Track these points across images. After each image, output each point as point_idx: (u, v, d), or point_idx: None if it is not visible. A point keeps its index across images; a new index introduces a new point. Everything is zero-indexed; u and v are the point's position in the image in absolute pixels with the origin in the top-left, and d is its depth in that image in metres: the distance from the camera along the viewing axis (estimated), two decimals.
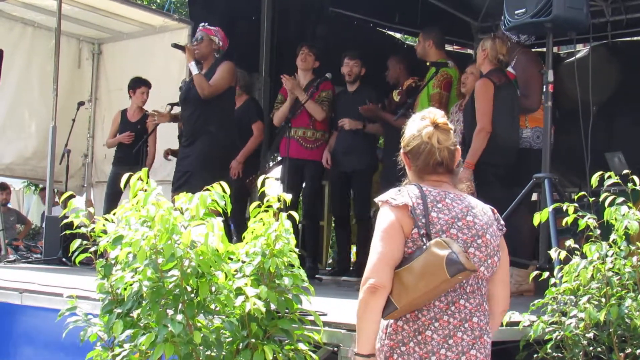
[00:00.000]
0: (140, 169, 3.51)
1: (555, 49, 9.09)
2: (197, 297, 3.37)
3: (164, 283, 3.32)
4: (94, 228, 3.70)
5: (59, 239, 8.12)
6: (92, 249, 3.74)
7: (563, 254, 4.12)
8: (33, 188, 14.30)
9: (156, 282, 3.33)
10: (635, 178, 4.02)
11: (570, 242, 4.12)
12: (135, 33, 10.06)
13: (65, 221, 3.89)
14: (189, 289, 3.37)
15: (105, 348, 3.69)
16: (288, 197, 3.57)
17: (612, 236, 3.98)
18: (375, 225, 3.02)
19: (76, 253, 3.70)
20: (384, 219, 2.98)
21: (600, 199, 4.02)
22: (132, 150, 8.36)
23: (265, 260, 3.52)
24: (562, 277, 4.09)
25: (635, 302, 3.82)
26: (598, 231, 4.02)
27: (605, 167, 6.10)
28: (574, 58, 8.50)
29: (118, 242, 3.46)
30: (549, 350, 4.00)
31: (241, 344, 3.52)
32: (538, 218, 4.23)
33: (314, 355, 3.59)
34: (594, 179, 4.02)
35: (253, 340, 3.51)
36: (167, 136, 8.68)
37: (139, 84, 8.70)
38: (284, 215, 3.58)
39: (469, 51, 10.68)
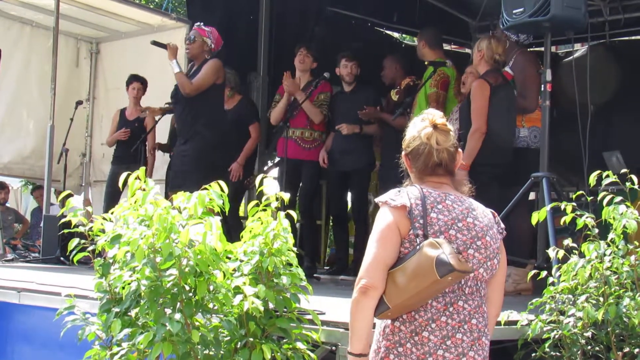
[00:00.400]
0: (139, 168, 3.51)
1: (553, 49, 9.09)
2: (195, 296, 3.37)
3: (162, 282, 3.32)
4: (92, 227, 3.70)
5: (57, 238, 8.12)
6: (90, 248, 3.74)
7: (561, 253, 4.12)
8: (31, 187, 14.27)
9: (154, 281, 3.33)
10: (634, 177, 4.03)
11: (568, 241, 4.12)
12: (133, 32, 10.06)
13: (63, 220, 3.89)
14: (187, 288, 3.36)
15: (104, 347, 3.69)
16: (286, 196, 3.58)
17: (610, 235, 3.98)
18: (373, 225, 3.03)
19: (74, 252, 3.70)
20: (382, 220, 3.00)
21: (599, 198, 4.02)
22: (130, 150, 8.36)
23: (263, 259, 3.52)
24: (560, 276, 4.09)
25: (633, 301, 3.82)
26: (596, 230, 4.02)
27: (603, 166, 6.09)
28: (571, 58, 8.50)
29: (116, 241, 3.46)
30: (547, 349, 4.00)
31: (239, 343, 3.52)
32: (536, 217, 4.24)
33: (312, 354, 3.59)
34: (592, 178, 4.02)
35: (251, 339, 3.51)
36: (166, 133, 8.68)
37: (131, 80, 8.74)
38: (282, 214, 3.58)
39: (467, 50, 10.67)
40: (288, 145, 7.47)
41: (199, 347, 3.39)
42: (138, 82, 8.70)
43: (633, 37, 10.11)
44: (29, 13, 9.76)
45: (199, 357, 3.40)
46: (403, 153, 3.15)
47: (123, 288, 3.45)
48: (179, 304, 3.34)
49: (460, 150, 3.16)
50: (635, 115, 9.18)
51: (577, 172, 7.41)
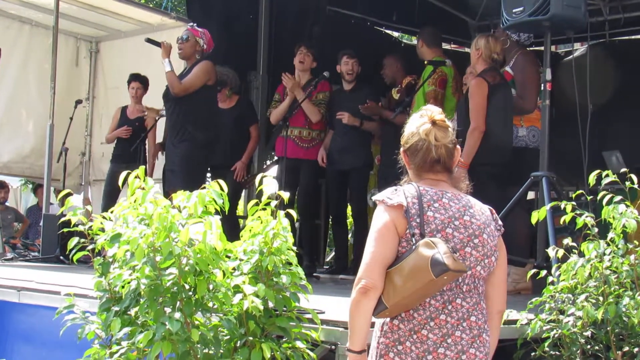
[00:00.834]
0: (138, 167, 3.51)
1: (552, 48, 9.09)
2: (195, 295, 3.37)
3: (162, 281, 3.32)
4: (91, 226, 3.69)
5: (57, 237, 8.12)
6: (90, 247, 3.74)
7: (561, 252, 4.12)
8: (30, 186, 14.27)
9: (154, 280, 3.33)
10: (633, 176, 4.03)
11: (568, 241, 4.12)
12: (132, 31, 10.05)
13: (62, 219, 3.89)
14: (187, 286, 3.36)
15: (103, 346, 3.69)
16: (286, 195, 3.58)
17: (610, 234, 3.98)
18: (371, 224, 3.03)
19: (74, 251, 3.70)
20: (378, 219, 3.00)
21: (598, 198, 4.02)
22: (130, 148, 8.37)
23: (263, 258, 3.52)
24: (559, 275, 4.09)
25: (632, 301, 3.82)
26: (596, 229, 4.02)
27: (602, 166, 6.09)
28: (571, 57, 8.50)
29: (116, 240, 3.45)
30: (547, 349, 4.00)
31: (239, 342, 3.52)
32: (536, 216, 4.24)
33: (311, 353, 3.60)
34: (592, 178, 4.02)
35: (251, 338, 3.51)
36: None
37: (131, 79, 8.76)
38: (281, 213, 3.58)
39: (467, 50, 10.65)
40: (287, 144, 7.47)
41: (199, 346, 3.39)
42: (138, 82, 8.70)
43: (633, 37, 10.11)
44: (28, 12, 9.76)
45: (198, 356, 3.40)
46: (401, 149, 3.15)
47: (123, 287, 3.46)
48: (178, 302, 3.34)
49: (458, 147, 3.15)
50: (635, 115, 9.19)
51: (576, 171, 7.41)
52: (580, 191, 4.20)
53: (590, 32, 7.43)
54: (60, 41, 9.14)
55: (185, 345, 3.33)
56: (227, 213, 3.64)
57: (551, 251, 4.25)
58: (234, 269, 3.54)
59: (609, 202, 3.95)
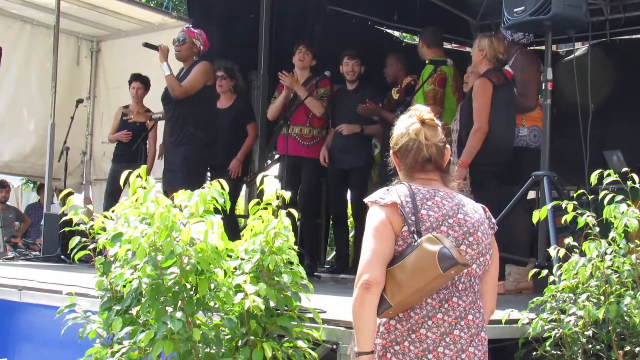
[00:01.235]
0: (139, 166, 3.51)
1: (553, 47, 9.09)
2: (197, 295, 3.37)
3: (163, 280, 3.32)
4: (92, 225, 3.70)
5: (58, 236, 8.13)
6: (91, 246, 3.74)
7: (562, 251, 4.12)
8: (31, 185, 14.27)
9: (155, 280, 3.33)
10: (634, 176, 4.02)
11: (569, 240, 4.12)
12: (133, 31, 10.05)
13: (64, 219, 3.89)
14: (188, 286, 3.37)
15: (105, 345, 3.69)
16: (287, 194, 3.58)
17: (611, 234, 3.98)
18: (366, 224, 3.02)
19: (75, 250, 3.71)
20: (374, 217, 2.99)
21: (599, 197, 4.02)
22: (131, 148, 8.38)
23: (264, 257, 3.52)
24: (561, 274, 4.09)
25: (634, 300, 3.82)
26: (597, 229, 4.01)
27: (603, 165, 6.09)
28: (572, 56, 8.50)
29: (117, 240, 3.46)
30: (548, 348, 4.00)
31: (240, 341, 3.53)
32: (537, 216, 4.23)
33: (313, 353, 3.60)
34: (593, 177, 4.01)
35: (252, 337, 3.51)
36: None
37: (132, 79, 8.77)
38: (283, 212, 3.58)
39: (468, 49, 10.65)
40: (288, 142, 7.47)
41: (200, 345, 3.39)
42: (139, 82, 8.70)
43: (634, 36, 10.11)
44: (29, 11, 9.75)
45: (200, 355, 3.40)
46: (391, 151, 3.15)
47: (124, 286, 3.46)
48: (180, 302, 3.34)
49: (448, 146, 3.15)
50: (636, 114, 9.18)
51: (577, 171, 7.41)
52: (582, 190, 4.20)
53: (591, 32, 7.43)
54: (62, 40, 9.14)
55: (186, 344, 3.33)
56: (228, 212, 3.64)
57: (552, 250, 4.24)
58: (235, 268, 3.54)
59: (610, 202, 3.95)
